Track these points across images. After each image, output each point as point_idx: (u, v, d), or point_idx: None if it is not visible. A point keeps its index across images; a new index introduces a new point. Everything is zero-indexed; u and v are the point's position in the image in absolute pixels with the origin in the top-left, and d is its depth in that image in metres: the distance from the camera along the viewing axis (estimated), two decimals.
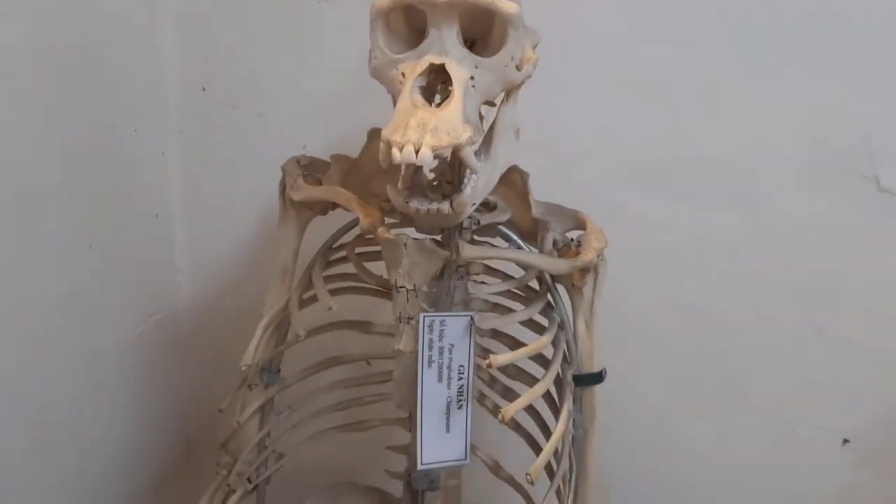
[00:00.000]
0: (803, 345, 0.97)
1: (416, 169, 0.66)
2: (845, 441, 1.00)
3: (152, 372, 1.09)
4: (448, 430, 0.74)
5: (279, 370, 0.86)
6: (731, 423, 1.01)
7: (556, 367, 0.76)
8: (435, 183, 0.74)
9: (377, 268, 0.78)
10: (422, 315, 0.71)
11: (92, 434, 1.00)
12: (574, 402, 0.80)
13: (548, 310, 0.80)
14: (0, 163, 0.81)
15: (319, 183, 0.81)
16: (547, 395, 0.81)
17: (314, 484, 0.94)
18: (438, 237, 0.73)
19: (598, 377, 0.80)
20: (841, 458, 1.01)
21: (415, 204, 0.65)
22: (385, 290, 0.83)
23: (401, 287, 0.70)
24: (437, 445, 0.74)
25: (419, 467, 0.74)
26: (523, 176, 0.79)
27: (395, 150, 0.61)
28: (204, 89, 1.06)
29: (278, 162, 0.86)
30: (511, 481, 0.86)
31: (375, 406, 0.88)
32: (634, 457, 0.98)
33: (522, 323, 0.80)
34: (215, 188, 1.09)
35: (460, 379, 0.74)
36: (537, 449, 0.81)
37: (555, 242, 0.79)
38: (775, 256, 0.95)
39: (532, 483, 0.72)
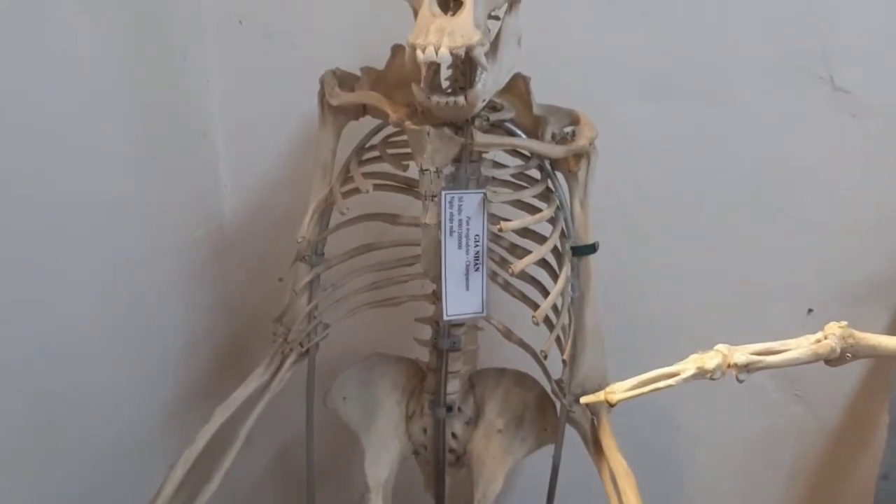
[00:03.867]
0: (768, 224, 1.12)
1: (436, 71, 0.81)
2: (809, 310, 1.16)
3: (204, 274, 1.26)
4: (467, 289, 0.91)
5: (323, 253, 1.01)
6: (703, 296, 1.17)
7: (556, 235, 0.91)
8: (449, 91, 0.88)
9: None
10: (443, 192, 0.86)
11: (157, 321, 1.17)
12: (572, 270, 0.95)
13: (548, 193, 0.95)
14: (79, 90, 0.97)
15: (353, 90, 0.95)
16: (549, 269, 0.97)
17: (354, 354, 1.11)
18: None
19: (591, 248, 0.95)
20: (806, 327, 1.17)
21: (435, 98, 0.80)
22: (408, 186, 0.98)
23: (426, 169, 0.85)
24: (459, 300, 0.90)
25: (445, 318, 0.90)
26: (525, 80, 0.93)
27: (418, 52, 0.75)
28: (240, 22, 1.19)
29: (309, 85, 0.99)
30: (521, 343, 1.01)
31: (404, 285, 1.04)
32: (621, 315, 1.13)
33: (526, 208, 0.95)
34: (254, 110, 1.23)
35: (476, 246, 0.90)
36: None
37: (553, 135, 0.93)
38: (742, 147, 1.10)
39: (537, 324, 0.88)
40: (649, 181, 1.13)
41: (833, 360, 0.66)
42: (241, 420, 1.01)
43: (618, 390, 0.63)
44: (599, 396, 0.64)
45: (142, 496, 0.98)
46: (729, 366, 0.63)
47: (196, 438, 0.94)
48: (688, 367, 0.64)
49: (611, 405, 0.64)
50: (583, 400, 0.71)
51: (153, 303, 1.17)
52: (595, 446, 0.96)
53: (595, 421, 0.98)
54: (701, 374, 0.63)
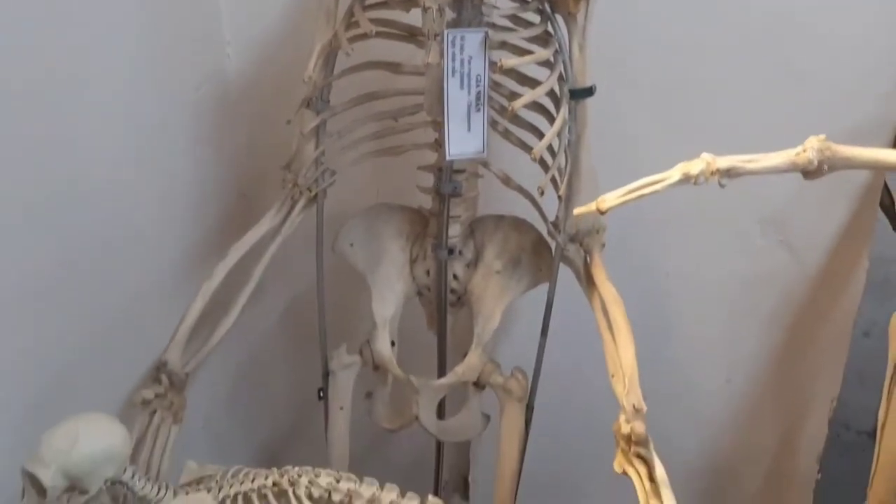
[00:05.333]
0: (757, 72, 1.15)
1: None
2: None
3: (211, 130, 1.29)
4: (469, 129, 0.94)
5: (329, 100, 1.05)
6: (692, 145, 1.20)
7: (554, 78, 0.94)
8: None
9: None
10: (446, 31, 0.89)
11: (167, 175, 1.21)
12: (569, 113, 0.99)
13: (546, 37, 0.97)
14: None
15: None
16: (547, 114, 1.00)
17: (360, 206, 1.16)
18: None
19: (589, 91, 0.98)
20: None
21: None
22: (411, 34, 1.00)
23: (428, 7, 0.88)
24: (461, 141, 0.94)
25: (448, 158, 0.95)
26: None
27: None
28: None
29: None
30: (519, 189, 1.06)
31: (407, 134, 1.08)
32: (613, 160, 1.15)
33: (525, 54, 0.98)
34: None
35: (477, 86, 0.93)
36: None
37: None
38: None
39: (535, 160, 0.93)
40: (642, 29, 1.15)
41: (811, 171, 0.71)
42: (255, 261, 1.07)
43: (608, 199, 0.68)
44: (591, 207, 0.69)
45: (159, 338, 1.05)
46: (712, 172, 0.68)
47: (213, 273, 1.01)
48: (673, 173, 0.69)
49: (601, 213, 0.69)
50: (576, 212, 0.76)
51: (163, 158, 1.20)
52: (587, 281, 1.03)
53: (588, 258, 1.04)
54: (686, 179, 0.68)
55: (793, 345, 1.34)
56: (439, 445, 1.31)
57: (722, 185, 0.69)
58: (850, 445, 1.97)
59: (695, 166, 0.68)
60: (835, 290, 1.28)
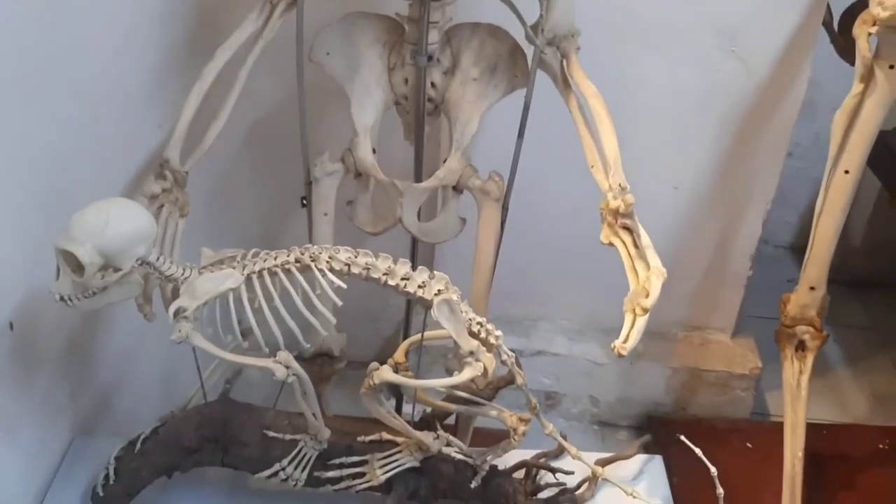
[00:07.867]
0: None
1: None
2: None
3: None
4: None
5: None
6: None
7: None
8: None
9: None
10: None
11: None
12: None
13: None
14: None
15: None
16: None
17: (339, 13, 1.16)
18: None
19: None
20: None
21: None
22: None
23: None
24: None
25: None
26: None
27: None
28: None
29: None
30: None
31: None
32: None
33: None
34: None
35: None
36: None
37: None
38: None
39: None
40: None
41: None
42: (239, 65, 1.07)
43: None
44: None
45: (137, 140, 1.05)
46: None
47: (203, 74, 1.01)
48: None
49: None
50: None
51: None
52: (564, 84, 1.09)
53: (564, 62, 1.09)
54: None
55: (736, 153, 1.45)
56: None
57: None
58: (768, 258, 2.17)
59: None
60: (777, 93, 1.38)
